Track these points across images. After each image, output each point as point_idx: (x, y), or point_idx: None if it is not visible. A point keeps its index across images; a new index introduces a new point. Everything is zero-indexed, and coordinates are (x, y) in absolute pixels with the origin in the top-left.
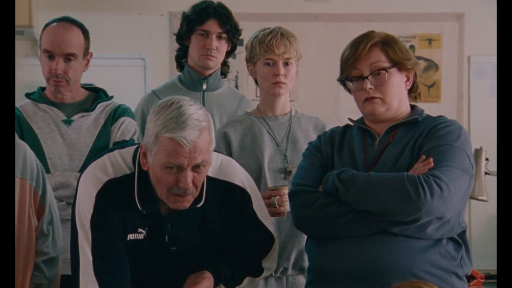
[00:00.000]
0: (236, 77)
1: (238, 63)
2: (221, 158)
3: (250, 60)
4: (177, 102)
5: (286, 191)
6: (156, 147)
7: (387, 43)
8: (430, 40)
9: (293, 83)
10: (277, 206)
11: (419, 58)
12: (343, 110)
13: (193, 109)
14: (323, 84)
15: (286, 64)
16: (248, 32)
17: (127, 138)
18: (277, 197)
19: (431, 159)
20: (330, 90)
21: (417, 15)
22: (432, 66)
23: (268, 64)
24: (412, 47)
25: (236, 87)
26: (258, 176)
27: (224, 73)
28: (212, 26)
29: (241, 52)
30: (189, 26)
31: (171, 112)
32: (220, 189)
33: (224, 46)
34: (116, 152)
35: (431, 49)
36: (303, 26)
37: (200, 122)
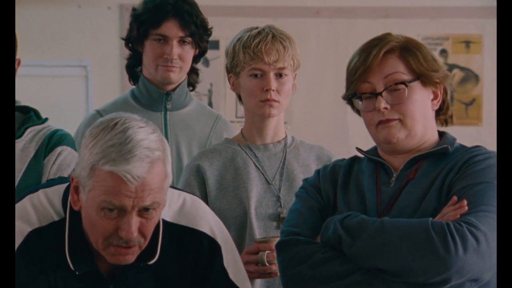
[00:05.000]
0: (210, 91)
1: (212, 73)
2: (183, 197)
3: (232, 70)
4: (122, 123)
5: None
6: (91, 182)
7: (408, 49)
8: (467, 43)
9: (288, 100)
10: (267, 264)
11: (453, 66)
12: (352, 136)
13: (143, 133)
14: (325, 100)
15: (279, 75)
16: (228, 31)
17: (66, 174)
18: (267, 252)
19: (465, 202)
20: (335, 109)
21: (451, 9)
22: (470, 77)
23: (256, 75)
24: (444, 52)
25: (210, 104)
26: (242, 224)
27: (192, 84)
28: (172, 29)
29: (216, 58)
30: (141, 30)
31: (113, 137)
32: (180, 238)
33: (189, 52)
34: (40, 192)
35: (469, 54)
36: (299, 24)
37: (151, 151)
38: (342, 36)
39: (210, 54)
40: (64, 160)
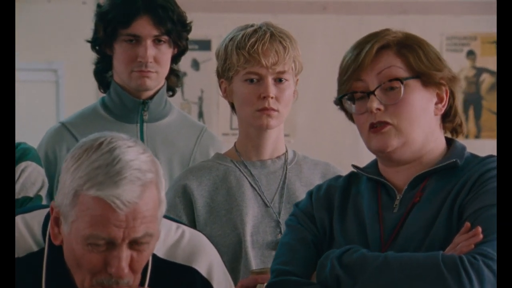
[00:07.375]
0: (200, 98)
1: (203, 78)
2: (182, 231)
3: (224, 74)
4: (108, 142)
5: None
6: (75, 211)
7: (407, 46)
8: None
9: (289, 109)
10: None
11: (482, 70)
12: (365, 149)
13: (133, 153)
14: (333, 109)
15: (278, 80)
16: (221, 30)
17: (31, 194)
18: (265, 284)
19: (479, 229)
20: (344, 118)
21: (479, 4)
22: None
23: (252, 80)
24: (471, 53)
25: (200, 114)
26: (236, 254)
27: (172, 89)
28: (144, 27)
29: (207, 61)
30: (109, 29)
31: (99, 158)
32: (171, 276)
33: (166, 53)
34: (18, 218)
35: None
36: (303, 21)
37: (143, 173)
38: (352, 35)
39: (200, 55)
40: (29, 178)
